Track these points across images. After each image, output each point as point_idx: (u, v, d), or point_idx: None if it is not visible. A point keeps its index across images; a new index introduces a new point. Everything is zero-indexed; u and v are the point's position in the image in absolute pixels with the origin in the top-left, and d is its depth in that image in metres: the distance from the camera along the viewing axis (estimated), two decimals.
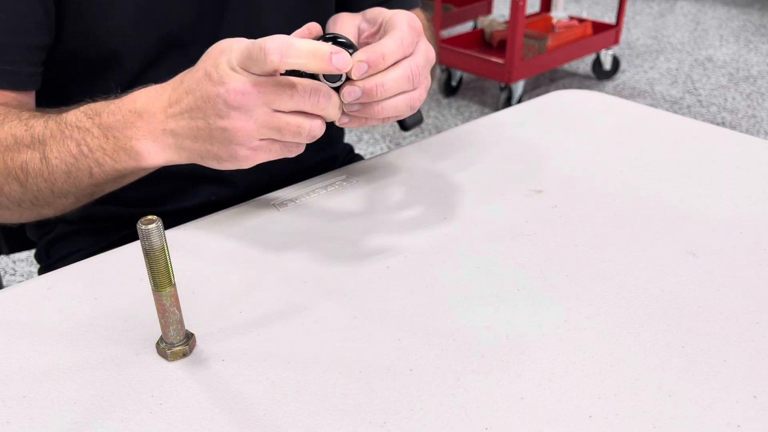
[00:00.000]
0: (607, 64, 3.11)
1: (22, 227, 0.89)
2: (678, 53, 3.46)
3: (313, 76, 0.52)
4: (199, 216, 0.65)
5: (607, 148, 0.78)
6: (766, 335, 0.49)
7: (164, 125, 0.55)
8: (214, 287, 0.55)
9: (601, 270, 0.56)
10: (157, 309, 0.46)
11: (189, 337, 0.48)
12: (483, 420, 0.42)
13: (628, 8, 4.19)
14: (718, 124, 2.66)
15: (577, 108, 0.89)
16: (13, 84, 0.62)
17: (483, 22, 3.12)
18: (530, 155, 0.76)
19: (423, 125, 2.68)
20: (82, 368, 0.46)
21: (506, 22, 3.01)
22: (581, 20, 3.07)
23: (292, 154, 0.56)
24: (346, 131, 2.65)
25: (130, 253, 0.59)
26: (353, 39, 0.61)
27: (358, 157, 0.95)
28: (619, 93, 2.99)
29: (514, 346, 0.48)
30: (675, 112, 2.76)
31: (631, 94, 2.98)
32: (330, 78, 0.53)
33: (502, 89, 2.79)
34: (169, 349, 0.47)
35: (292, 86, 0.51)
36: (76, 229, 0.79)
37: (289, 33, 0.76)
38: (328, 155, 0.89)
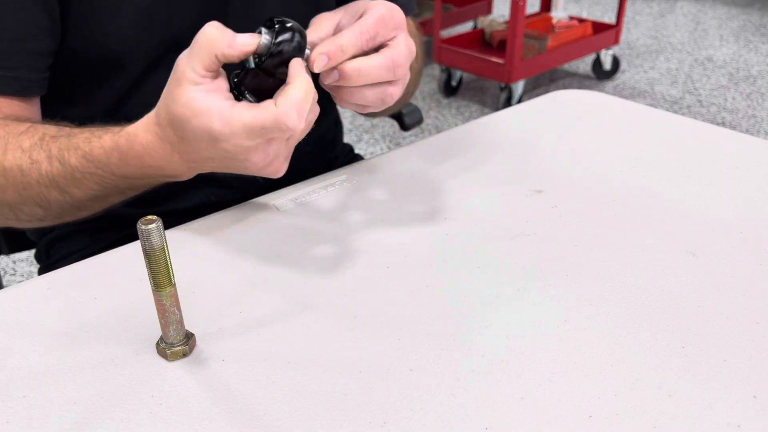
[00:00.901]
0: (607, 64, 3.11)
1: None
2: (678, 53, 3.46)
3: (260, 63, 0.52)
4: (199, 216, 0.65)
5: (607, 148, 0.77)
6: (766, 335, 0.49)
7: (189, 173, 0.57)
8: (214, 287, 0.55)
9: (601, 270, 0.56)
10: (157, 309, 0.46)
11: (189, 337, 0.48)
12: (483, 420, 0.42)
13: (628, 8, 4.19)
14: (718, 124, 2.66)
15: (577, 108, 0.89)
16: (18, 90, 0.63)
17: (483, 22, 3.12)
18: (530, 155, 0.76)
19: (423, 125, 2.68)
20: (82, 368, 0.46)
21: (506, 22, 3.01)
22: (581, 20, 3.07)
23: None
24: (346, 131, 2.65)
25: (130, 253, 0.59)
26: (328, 35, 0.60)
27: (358, 157, 0.95)
28: (619, 93, 2.99)
29: (514, 346, 0.48)
30: (675, 112, 2.76)
31: (631, 94, 2.98)
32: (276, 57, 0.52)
33: (502, 89, 2.79)
34: (169, 349, 0.47)
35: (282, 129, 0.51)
36: (76, 229, 0.79)
37: None
38: (328, 155, 0.89)
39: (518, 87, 2.76)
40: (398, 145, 2.57)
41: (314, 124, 0.55)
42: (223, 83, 0.52)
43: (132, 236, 0.65)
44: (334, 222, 0.63)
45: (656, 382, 0.45)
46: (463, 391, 0.44)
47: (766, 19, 3.96)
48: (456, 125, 1.95)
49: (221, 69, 0.52)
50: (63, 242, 0.80)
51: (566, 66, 3.29)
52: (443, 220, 0.63)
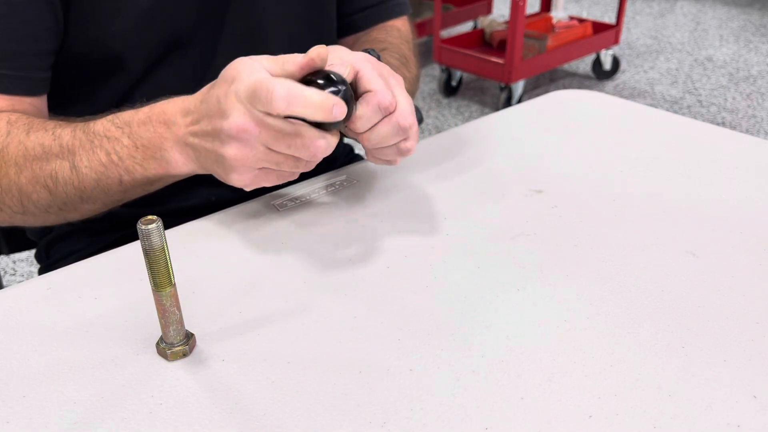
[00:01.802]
0: (607, 64, 3.11)
1: (22, 227, 0.89)
2: (678, 53, 3.46)
3: None
4: (199, 216, 0.65)
5: (607, 148, 0.77)
6: (766, 335, 0.49)
7: (185, 139, 0.56)
8: (214, 287, 0.55)
9: (601, 270, 0.56)
10: (157, 309, 0.46)
11: (189, 337, 0.48)
12: (483, 420, 0.42)
13: (628, 8, 4.19)
14: (718, 124, 2.66)
15: (577, 108, 0.89)
16: (28, 90, 0.64)
17: (483, 22, 3.12)
18: (530, 155, 0.76)
19: (423, 125, 2.68)
20: (82, 368, 0.46)
21: (506, 22, 3.01)
22: (581, 20, 3.07)
23: (293, 178, 0.57)
24: None
25: (130, 253, 0.59)
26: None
27: (358, 158, 0.95)
28: (619, 93, 2.99)
29: (514, 345, 0.48)
30: (675, 112, 2.76)
31: (631, 94, 2.98)
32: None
33: (502, 89, 2.79)
34: (169, 349, 0.47)
35: (293, 135, 0.51)
36: (76, 229, 0.79)
37: (288, 36, 0.76)
38: (328, 156, 0.89)
39: (518, 87, 2.76)
40: None
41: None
42: None
43: (132, 236, 0.65)
44: (334, 222, 0.63)
45: (656, 382, 0.45)
46: (463, 391, 0.44)
47: (766, 19, 3.96)
48: (456, 125, 1.95)
49: None
50: (63, 242, 0.80)
51: (566, 66, 3.29)
52: (443, 220, 0.63)
